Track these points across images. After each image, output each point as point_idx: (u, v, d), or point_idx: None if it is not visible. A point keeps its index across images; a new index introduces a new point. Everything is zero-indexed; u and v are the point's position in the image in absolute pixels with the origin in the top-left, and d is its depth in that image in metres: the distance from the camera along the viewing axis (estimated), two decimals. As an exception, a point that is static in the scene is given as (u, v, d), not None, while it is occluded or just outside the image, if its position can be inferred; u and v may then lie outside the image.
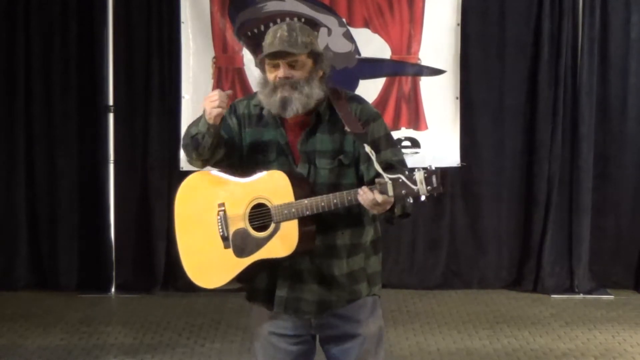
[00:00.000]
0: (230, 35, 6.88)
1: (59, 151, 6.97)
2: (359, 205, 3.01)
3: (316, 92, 3.12)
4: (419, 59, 6.90)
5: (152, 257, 6.99)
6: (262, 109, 3.19)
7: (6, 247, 7.01)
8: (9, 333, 5.95)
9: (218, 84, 6.88)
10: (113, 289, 7.00)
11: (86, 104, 6.98)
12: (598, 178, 7.02)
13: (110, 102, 6.97)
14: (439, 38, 6.87)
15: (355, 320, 3.21)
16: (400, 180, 2.87)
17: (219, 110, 3.06)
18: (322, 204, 3.01)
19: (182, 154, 6.85)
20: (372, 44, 6.87)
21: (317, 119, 3.16)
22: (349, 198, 2.99)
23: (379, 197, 2.91)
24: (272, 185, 3.09)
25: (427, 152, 6.81)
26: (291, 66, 3.10)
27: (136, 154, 7.00)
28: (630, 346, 5.75)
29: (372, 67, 6.88)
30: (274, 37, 3.11)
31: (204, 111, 3.09)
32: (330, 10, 6.85)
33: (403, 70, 6.93)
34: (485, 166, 7.00)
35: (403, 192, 2.87)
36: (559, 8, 6.89)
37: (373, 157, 2.97)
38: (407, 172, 2.88)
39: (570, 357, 5.54)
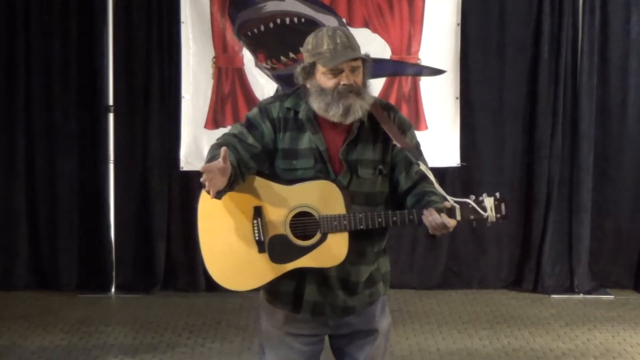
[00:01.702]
0: (230, 35, 6.87)
1: (59, 151, 6.96)
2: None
3: (370, 96, 3.14)
4: (419, 59, 6.90)
5: (152, 257, 6.99)
6: (296, 112, 3.14)
7: (6, 247, 7.00)
8: (9, 333, 5.95)
9: (218, 84, 6.87)
10: (113, 289, 7.00)
11: (86, 104, 6.98)
12: (598, 178, 7.03)
13: (110, 102, 6.97)
14: (439, 38, 6.87)
15: (370, 316, 3.24)
16: (470, 205, 2.97)
17: (213, 184, 2.90)
18: (379, 219, 3.01)
19: (182, 154, 6.94)
20: (372, 44, 6.85)
21: (359, 128, 3.13)
22: (410, 217, 3.00)
23: (449, 222, 2.95)
24: (320, 195, 3.05)
25: (427, 152, 6.79)
26: (352, 72, 3.09)
27: (136, 154, 7.00)
28: (630, 346, 5.76)
29: (372, 67, 6.86)
30: (334, 42, 3.07)
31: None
32: (330, 10, 6.85)
33: (403, 70, 6.93)
34: (485, 166, 7.00)
35: (471, 217, 2.98)
36: (559, 8, 6.89)
37: (431, 177, 3.03)
38: (473, 197, 2.96)
39: (570, 357, 5.54)
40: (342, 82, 3.06)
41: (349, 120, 3.08)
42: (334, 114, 3.07)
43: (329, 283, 3.14)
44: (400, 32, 6.89)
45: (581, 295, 6.94)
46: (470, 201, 2.94)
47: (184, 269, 6.94)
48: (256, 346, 5.54)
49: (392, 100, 6.83)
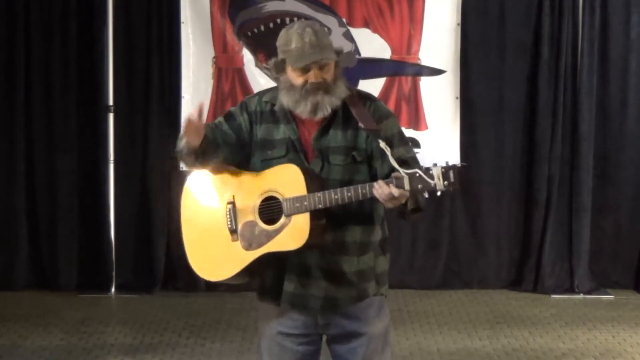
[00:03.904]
0: (230, 35, 6.88)
1: (59, 151, 6.96)
2: (370, 202, 3.06)
3: (342, 90, 3.14)
4: (419, 59, 6.90)
5: (152, 257, 6.99)
6: (273, 105, 3.19)
7: (6, 247, 7.00)
8: (8, 333, 5.95)
9: (218, 84, 6.88)
10: (113, 289, 7.00)
11: (86, 104, 6.98)
12: (598, 178, 7.03)
13: (110, 102, 6.97)
14: (439, 38, 6.87)
15: (362, 319, 3.21)
16: (417, 174, 2.90)
17: (187, 138, 3.13)
18: (335, 197, 3.01)
19: (182, 153, 6.92)
20: (372, 44, 6.87)
21: (332, 115, 3.15)
22: (364, 192, 2.99)
23: (395, 191, 2.92)
24: (284, 179, 3.08)
25: (427, 152, 6.80)
26: (321, 69, 3.10)
27: (136, 154, 7.00)
28: (630, 346, 5.76)
29: (372, 67, 6.88)
30: (302, 41, 3.08)
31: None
32: (330, 10, 6.85)
33: (403, 70, 6.93)
34: (485, 166, 7.00)
35: (419, 186, 2.91)
36: (559, 8, 6.89)
37: (388, 152, 3.00)
38: (423, 168, 2.91)
39: (570, 357, 5.54)
40: (310, 80, 3.09)
41: (317, 116, 3.11)
42: (302, 111, 3.11)
43: (310, 273, 3.14)
44: (400, 32, 6.89)
45: (581, 295, 6.93)
46: (419, 171, 2.91)
47: (184, 269, 6.84)
48: (256, 346, 5.55)
49: (392, 100, 6.84)
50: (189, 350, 5.65)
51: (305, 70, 3.09)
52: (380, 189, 2.95)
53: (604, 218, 7.09)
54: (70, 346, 5.70)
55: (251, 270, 3.15)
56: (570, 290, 7.00)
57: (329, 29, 6.79)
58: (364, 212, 3.16)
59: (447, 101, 6.90)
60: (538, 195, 7.01)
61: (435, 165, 2.90)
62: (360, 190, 3.00)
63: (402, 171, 2.92)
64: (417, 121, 6.90)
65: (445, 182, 2.89)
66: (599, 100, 6.98)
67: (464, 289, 7.06)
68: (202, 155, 3.15)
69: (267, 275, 3.20)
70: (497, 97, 7.01)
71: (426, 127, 6.91)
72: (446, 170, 2.89)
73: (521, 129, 7.04)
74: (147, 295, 6.89)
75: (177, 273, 7.01)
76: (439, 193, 2.92)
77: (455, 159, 6.86)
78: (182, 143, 3.19)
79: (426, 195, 2.94)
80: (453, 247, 7.14)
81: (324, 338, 3.29)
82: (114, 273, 7.02)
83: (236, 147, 3.21)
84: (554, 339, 5.89)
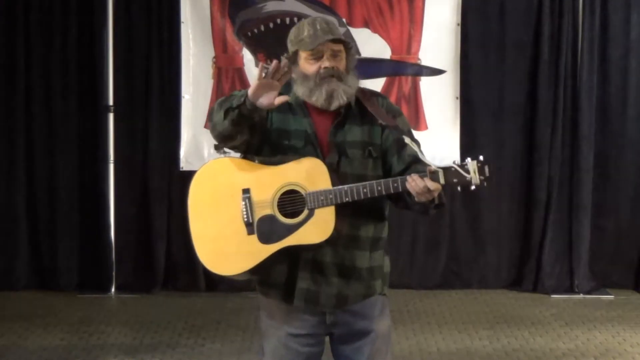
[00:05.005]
0: (230, 35, 6.88)
1: (59, 151, 6.96)
2: (382, 198, 3.07)
3: (355, 81, 3.16)
4: (419, 59, 6.90)
5: (152, 257, 6.99)
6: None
7: (6, 247, 7.00)
8: (9, 333, 5.95)
9: (218, 84, 6.88)
10: (113, 289, 7.00)
11: (86, 104, 6.98)
12: (598, 178, 7.03)
13: (110, 102, 6.97)
14: (439, 38, 6.87)
15: (368, 317, 3.22)
16: (453, 169, 2.94)
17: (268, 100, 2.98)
18: (365, 190, 3.01)
19: (182, 153, 6.93)
20: (372, 44, 6.87)
21: (347, 110, 3.16)
22: (395, 185, 2.99)
23: (431, 184, 2.93)
24: (306, 172, 3.07)
25: (427, 152, 6.78)
26: (333, 57, 3.12)
27: (136, 154, 7.00)
28: (630, 346, 5.76)
29: (372, 67, 6.88)
30: (313, 29, 3.11)
31: (254, 88, 2.99)
32: (330, 10, 6.85)
33: (403, 70, 6.93)
34: (485, 166, 6.98)
35: (454, 180, 2.94)
36: (559, 8, 6.89)
37: (417, 149, 3.02)
38: (457, 162, 2.94)
39: (570, 357, 5.54)
40: (323, 66, 3.11)
41: (333, 106, 3.11)
42: (316, 99, 3.11)
43: (323, 270, 3.13)
44: (400, 32, 6.89)
45: (581, 295, 6.94)
46: (454, 165, 2.94)
47: (184, 269, 6.94)
48: (256, 346, 5.55)
49: (392, 100, 6.82)
50: (189, 350, 5.65)
51: (318, 56, 3.11)
52: (414, 182, 2.95)
53: (604, 218, 7.09)
54: (70, 346, 5.70)
55: (262, 265, 3.12)
56: (570, 290, 7.00)
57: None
58: (376, 207, 3.17)
59: (447, 101, 6.91)
60: (538, 195, 7.01)
61: (470, 160, 2.94)
62: (391, 184, 3.00)
63: (435, 166, 2.94)
64: (417, 121, 6.90)
65: (481, 177, 2.94)
66: (599, 100, 6.98)
67: (464, 289, 7.07)
68: (252, 126, 3.06)
69: (276, 273, 3.17)
70: (497, 97, 7.02)
71: (426, 127, 6.92)
72: (482, 164, 2.94)
73: (521, 129, 7.05)
74: (147, 295, 6.89)
75: (177, 273, 7.01)
76: (473, 187, 2.95)
77: (454, 159, 6.85)
78: (250, 96, 2.99)
79: (459, 189, 2.95)
80: (453, 247, 7.14)
81: (327, 340, 3.29)
82: (114, 273, 7.02)
83: (256, 130, 3.15)
84: (554, 339, 5.89)
